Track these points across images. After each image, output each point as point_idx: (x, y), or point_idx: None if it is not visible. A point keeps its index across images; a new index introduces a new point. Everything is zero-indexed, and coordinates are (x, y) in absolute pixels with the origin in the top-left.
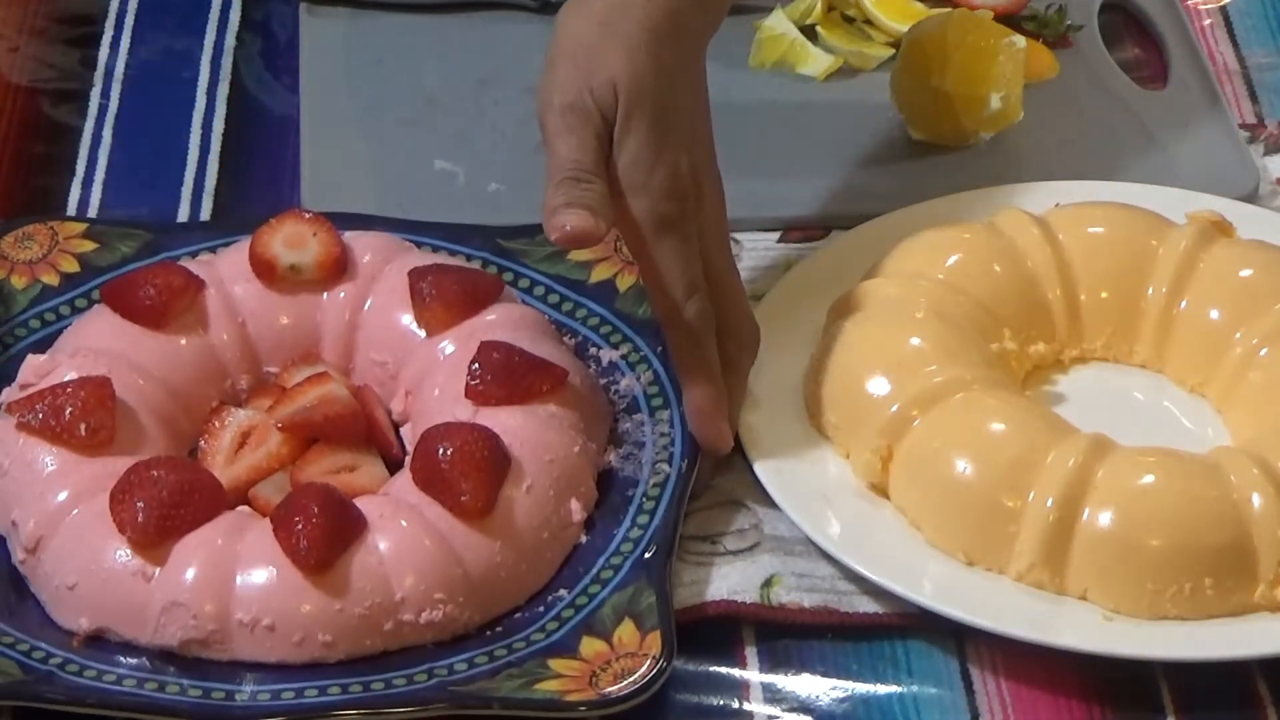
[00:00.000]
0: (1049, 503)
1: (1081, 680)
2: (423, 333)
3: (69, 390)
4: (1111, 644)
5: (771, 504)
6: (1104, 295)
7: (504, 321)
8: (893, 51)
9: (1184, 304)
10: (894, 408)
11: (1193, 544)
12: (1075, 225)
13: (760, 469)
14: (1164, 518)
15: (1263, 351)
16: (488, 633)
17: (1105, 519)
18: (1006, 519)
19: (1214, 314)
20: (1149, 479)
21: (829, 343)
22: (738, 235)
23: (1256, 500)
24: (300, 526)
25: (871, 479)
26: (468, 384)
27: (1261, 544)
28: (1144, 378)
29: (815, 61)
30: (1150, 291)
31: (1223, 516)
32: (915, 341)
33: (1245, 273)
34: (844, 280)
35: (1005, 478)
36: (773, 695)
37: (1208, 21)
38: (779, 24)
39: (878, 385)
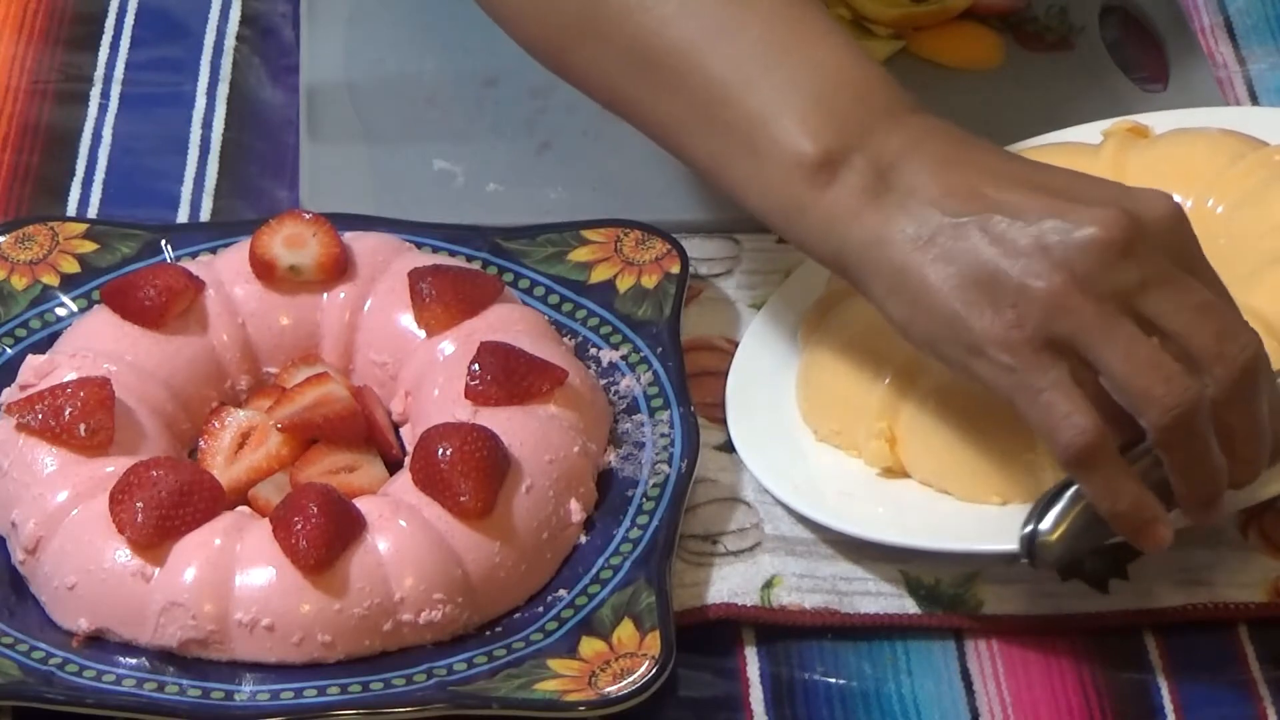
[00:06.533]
0: None
1: (1081, 680)
2: (422, 333)
3: (69, 391)
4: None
5: (771, 502)
6: None
7: (504, 322)
8: (901, 44)
9: None
10: (886, 380)
11: None
12: None
13: (763, 474)
14: None
15: (1219, 210)
16: (487, 633)
17: None
18: (1022, 449)
19: None
20: None
21: (807, 361)
22: (737, 235)
23: None
24: (300, 527)
25: (884, 463)
26: (467, 384)
27: None
28: None
29: None
30: None
31: None
32: (884, 322)
33: (1176, 154)
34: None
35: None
36: (773, 695)
37: (1208, 21)
38: None
39: (862, 373)
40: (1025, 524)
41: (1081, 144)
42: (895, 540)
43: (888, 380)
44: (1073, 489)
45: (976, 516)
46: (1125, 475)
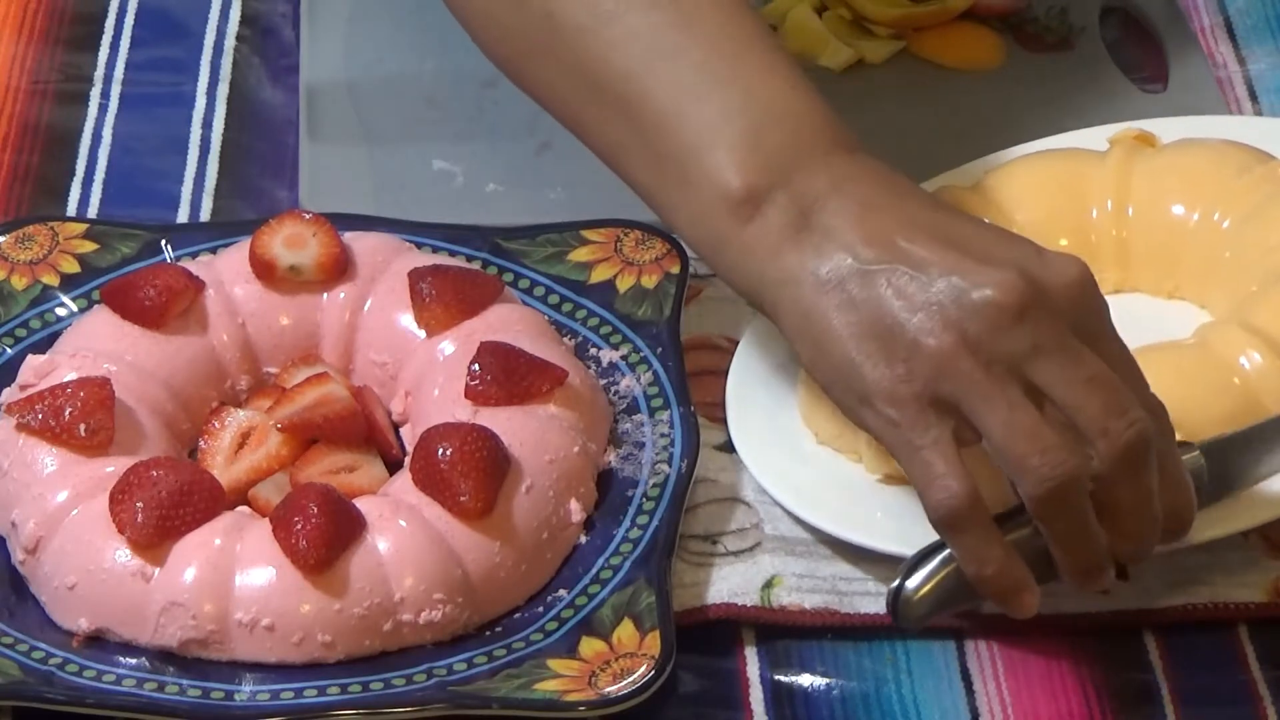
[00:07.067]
0: None
1: (1081, 680)
2: (422, 333)
3: (69, 391)
4: (1202, 531)
5: (771, 502)
6: (1062, 242)
7: (504, 322)
8: (902, 44)
9: (1130, 210)
10: None
11: (1205, 421)
12: (1006, 185)
13: (763, 476)
14: (1169, 407)
15: (1225, 224)
16: (487, 633)
17: None
18: None
19: (1164, 209)
20: None
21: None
22: None
23: (1252, 358)
24: (300, 527)
25: (885, 470)
26: (467, 384)
27: (1269, 398)
28: (1120, 301)
29: (835, 53)
30: (1095, 213)
31: (1223, 384)
32: None
33: (1183, 164)
34: None
35: None
36: (773, 695)
37: (1208, 21)
38: (804, 14)
39: None
40: (894, 580)
41: (1088, 151)
42: (895, 549)
43: None
44: (946, 550)
45: None
46: (994, 541)
